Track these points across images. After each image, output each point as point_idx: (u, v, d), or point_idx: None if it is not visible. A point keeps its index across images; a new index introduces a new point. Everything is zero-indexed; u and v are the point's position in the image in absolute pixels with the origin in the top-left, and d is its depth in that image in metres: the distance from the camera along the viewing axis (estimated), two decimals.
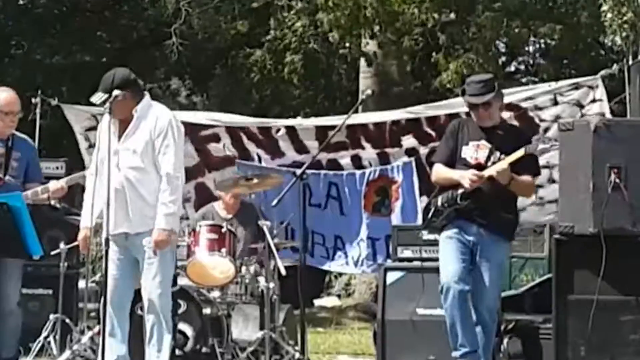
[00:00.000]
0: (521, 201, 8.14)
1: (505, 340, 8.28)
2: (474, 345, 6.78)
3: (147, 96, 6.82)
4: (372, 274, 15.04)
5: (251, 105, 18.08)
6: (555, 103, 9.16)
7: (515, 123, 9.06)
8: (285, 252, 9.11)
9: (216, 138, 10.20)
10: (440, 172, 6.97)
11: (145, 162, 6.43)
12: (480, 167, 6.60)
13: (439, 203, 6.84)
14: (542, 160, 7.72)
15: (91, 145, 9.51)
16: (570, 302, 6.41)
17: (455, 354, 6.81)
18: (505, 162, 6.44)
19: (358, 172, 10.01)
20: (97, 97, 6.55)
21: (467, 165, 6.72)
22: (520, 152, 6.36)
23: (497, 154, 6.58)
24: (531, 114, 9.40)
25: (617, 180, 6.23)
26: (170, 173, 6.38)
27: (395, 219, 9.93)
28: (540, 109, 9.32)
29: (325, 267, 11.34)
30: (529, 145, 6.44)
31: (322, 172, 9.96)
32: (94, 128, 9.26)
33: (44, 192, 6.88)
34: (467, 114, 7.11)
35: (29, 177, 7.16)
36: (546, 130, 9.18)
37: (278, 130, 10.14)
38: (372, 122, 10.13)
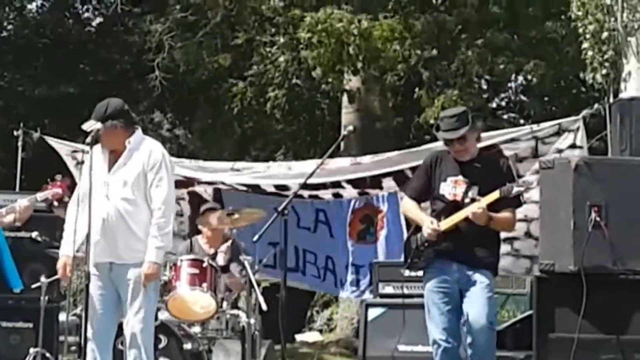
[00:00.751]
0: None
1: None
2: None
3: (139, 129, 6.79)
4: (353, 309, 15.23)
5: (233, 138, 18.19)
6: (536, 155, 9.05)
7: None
8: (274, 271, 9.47)
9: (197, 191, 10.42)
10: (407, 208, 7.06)
11: (136, 194, 6.44)
12: (457, 203, 6.60)
13: (418, 242, 6.77)
14: (519, 214, 7.69)
15: (79, 163, 9.55)
16: (551, 340, 6.47)
17: None
18: (480, 204, 6.43)
19: (344, 200, 10.02)
20: (89, 125, 6.49)
21: (444, 202, 6.73)
22: (495, 195, 6.35)
23: (475, 189, 6.55)
24: (511, 164, 8.69)
25: (598, 219, 6.31)
26: (162, 207, 6.39)
27: (380, 247, 9.94)
28: (521, 160, 9.15)
29: (316, 288, 11.58)
30: (503, 188, 6.40)
31: (308, 200, 10.00)
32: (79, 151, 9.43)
33: (9, 212, 6.86)
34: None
35: None
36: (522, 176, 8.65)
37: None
38: (351, 170, 10.02)
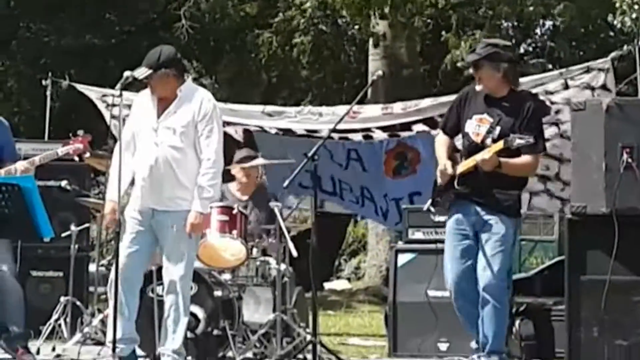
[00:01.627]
0: (533, 185, 8.54)
1: (517, 323, 8.17)
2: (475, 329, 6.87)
3: (190, 78, 6.89)
4: (382, 257, 15.28)
5: (260, 88, 18.10)
6: (566, 87, 8.89)
7: None
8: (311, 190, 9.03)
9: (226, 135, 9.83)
10: (436, 146, 7.01)
11: (184, 142, 6.47)
12: (479, 144, 6.61)
13: (439, 182, 6.89)
14: (554, 150, 8.06)
15: (109, 105, 9.48)
16: (583, 283, 6.29)
17: (472, 344, 6.88)
18: (486, 153, 6.44)
19: (376, 141, 10.02)
20: (140, 72, 6.56)
21: (469, 140, 6.71)
22: (499, 145, 6.32)
23: (497, 130, 6.51)
24: (542, 97, 8.75)
25: (630, 160, 6.10)
26: (213, 158, 6.44)
27: (417, 179, 9.98)
28: (552, 93, 9.01)
29: (357, 212, 11.72)
30: (507, 139, 6.34)
31: (340, 141, 9.97)
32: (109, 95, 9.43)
33: (7, 174, 6.99)
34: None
35: (4, 158, 7.28)
36: (558, 112, 8.97)
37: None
38: (382, 113, 9.93)
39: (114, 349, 6.41)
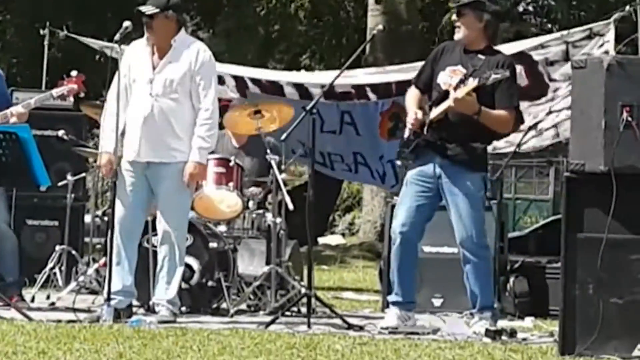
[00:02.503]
0: (519, 136, 8.96)
1: (511, 280, 8.51)
2: (408, 297, 6.94)
3: (184, 29, 6.96)
4: (377, 213, 15.50)
5: (257, 42, 18.19)
6: (567, 58, 9.01)
7: (525, 79, 9.16)
8: (307, 159, 9.23)
9: (221, 81, 9.93)
10: (406, 98, 7.11)
11: (180, 92, 6.58)
12: (450, 93, 6.74)
13: (407, 134, 6.91)
14: (550, 93, 8.45)
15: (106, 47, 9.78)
16: (580, 241, 6.13)
17: (389, 298, 7.05)
18: (461, 92, 6.50)
19: (371, 103, 10.05)
20: (147, 9, 6.67)
21: (439, 92, 6.81)
22: (474, 83, 6.41)
23: (470, 80, 6.57)
24: (542, 69, 9.37)
25: (629, 119, 5.93)
26: (210, 108, 6.58)
27: None
28: (552, 64, 9.21)
29: (350, 179, 11.63)
30: (482, 76, 6.46)
31: (334, 102, 9.97)
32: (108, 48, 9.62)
33: (4, 118, 7.14)
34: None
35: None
36: (556, 90, 9.22)
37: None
38: (378, 77, 10.17)
39: (108, 299, 6.55)
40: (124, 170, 6.73)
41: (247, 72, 10.53)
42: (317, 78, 10.86)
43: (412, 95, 6.95)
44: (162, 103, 6.62)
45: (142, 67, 6.77)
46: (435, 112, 6.64)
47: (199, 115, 6.64)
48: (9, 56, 17.93)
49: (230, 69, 10.44)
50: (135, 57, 6.87)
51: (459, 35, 6.74)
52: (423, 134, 6.67)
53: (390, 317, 6.94)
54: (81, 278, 8.26)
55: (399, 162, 7.71)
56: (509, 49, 8.73)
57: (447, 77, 6.76)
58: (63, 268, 8.53)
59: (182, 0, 7.06)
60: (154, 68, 6.71)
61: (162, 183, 6.69)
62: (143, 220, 7.02)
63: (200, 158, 6.67)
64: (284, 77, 10.70)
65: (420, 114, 6.59)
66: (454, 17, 7.10)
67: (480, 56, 6.72)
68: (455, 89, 6.61)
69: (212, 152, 8.13)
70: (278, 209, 7.90)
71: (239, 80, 10.15)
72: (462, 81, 6.60)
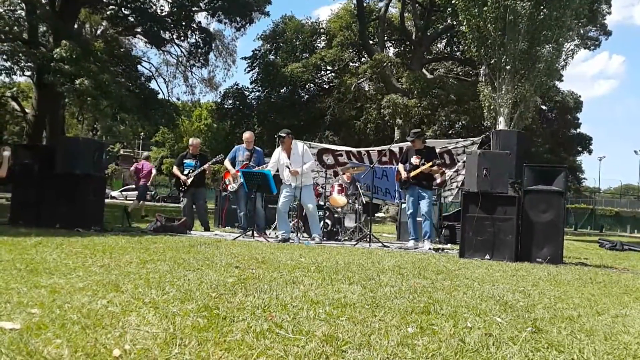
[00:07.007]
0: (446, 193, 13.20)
1: (442, 231, 13.70)
2: (416, 236, 11.14)
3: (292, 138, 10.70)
4: (394, 208, 21.31)
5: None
6: (464, 151, 13.73)
7: (446, 157, 13.77)
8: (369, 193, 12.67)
9: (337, 153, 14.73)
10: (399, 168, 10.78)
11: (297, 164, 10.33)
12: (416, 166, 10.64)
13: (403, 180, 10.67)
14: (457, 165, 12.35)
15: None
16: (468, 217, 9.96)
17: (410, 237, 11.09)
18: (426, 167, 10.31)
19: (393, 167, 14.12)
20: (283, 132, 10.58)
21: (411, 165, 10.66)
22: (430, 164, 10.31)
23: (423, 161, 10.51)
24: (454, 153, 14.16)
25: (485, 172, 9.54)
26: (307, 166, 10.52)
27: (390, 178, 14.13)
28: (459, 154, 14.03)
29: (383, 199, 16.08)
30: (435, 160, 10.37)
31: (381, 166, 14.72)
32: None
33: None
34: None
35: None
36: (459, 162, 13.71)
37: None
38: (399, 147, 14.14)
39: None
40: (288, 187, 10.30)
41: (345, 148, 14.74)
42: (374, 151, 15.03)
43: (401, 167, 10.85)
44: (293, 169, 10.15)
45: (283, 159, 10.37)
46: (413, 173, 10.57)
47: (304, 166, 10.26)
48: None
49: (341, 148, 14.64)
50: (278, 153, 10.42)
51: (412, 145, 10.58)
52: (409, 180, 10.69)
53: (411, 244, 10.85)
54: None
55: (401, 190, 11.77)
56: (437, 144, 13.19)
57: (414, 159, 10.72)
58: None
59: (289, 130, 10.37)
60: (288, 158, 10.21)
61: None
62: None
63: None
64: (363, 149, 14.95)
65: (405, 174, 10.38)
66: (409, 138, 10.71)
67: (423, 150, 10.76)
68: (419, 164, 10.56)
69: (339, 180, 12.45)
70: (359, 203, 12.45)
71: (348, 153, 14.77)
72: (420, 161, 10.59)
